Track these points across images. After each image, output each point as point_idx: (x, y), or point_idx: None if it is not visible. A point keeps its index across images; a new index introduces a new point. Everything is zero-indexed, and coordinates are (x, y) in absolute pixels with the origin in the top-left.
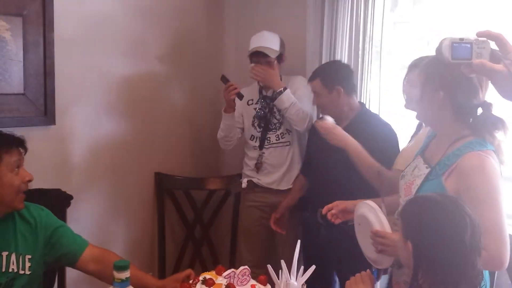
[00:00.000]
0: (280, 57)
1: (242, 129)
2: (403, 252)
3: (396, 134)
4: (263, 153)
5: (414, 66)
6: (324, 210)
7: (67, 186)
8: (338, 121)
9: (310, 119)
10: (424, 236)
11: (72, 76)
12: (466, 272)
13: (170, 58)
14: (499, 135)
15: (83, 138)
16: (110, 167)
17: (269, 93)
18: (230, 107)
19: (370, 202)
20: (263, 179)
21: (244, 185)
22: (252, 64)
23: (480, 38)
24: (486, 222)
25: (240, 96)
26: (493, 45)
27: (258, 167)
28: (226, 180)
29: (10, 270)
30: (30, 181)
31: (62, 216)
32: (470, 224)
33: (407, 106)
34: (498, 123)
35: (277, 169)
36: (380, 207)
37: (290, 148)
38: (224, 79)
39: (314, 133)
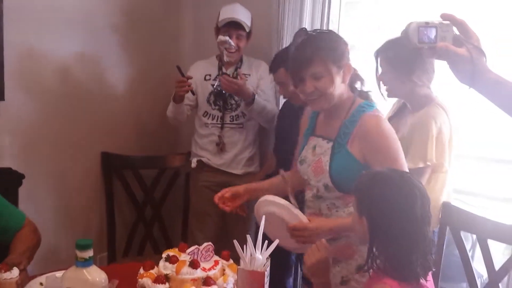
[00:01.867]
0: (249, 34)
1: (192, 106)
2: (359, 227)
3: None
4: (222, 133)
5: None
6: (215, 198)
7: (18, 164)
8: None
9: (276, 112)
10: (377, 211)
11: (21, 50)
12: (418, 242)
13: (119, 33)
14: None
15: (32, 115)
16: (59, 146)
17: (230, 71)
18: (180, 99)
19: (275, 198)
20: (213, 160)
21: (193, 164)
22: (220, 76)
23: (444, 22)
24: None
25: (193, 92)
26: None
27: (221, 147)
28: (177, 159)
29: None
30: None
31: (14, 196)
32: (419, 196)
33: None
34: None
35: (228, 151)
36: (289, 200)
37: (243, 131)
38: (180, 71)
39: (286, 115)
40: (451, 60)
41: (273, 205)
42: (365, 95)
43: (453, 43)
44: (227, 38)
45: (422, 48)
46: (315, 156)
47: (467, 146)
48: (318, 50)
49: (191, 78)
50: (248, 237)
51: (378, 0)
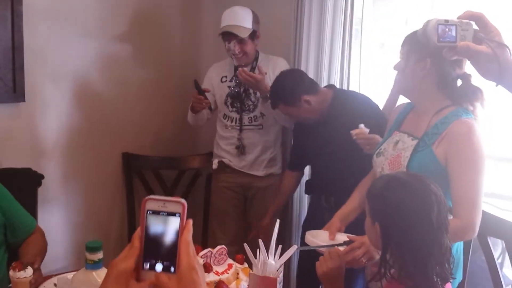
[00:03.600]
0: (254, 34)
1: (210, 108)
2: (372, 234)
3: (377, 106)
4: (241, 135)
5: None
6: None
7: (38, 165)
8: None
9: None
10: (391, 217)
11: (42, 51)
12: (433, 250)
13: (139, 35)
14: (478, 104)
15: (53, 116)
16: (79, 147)
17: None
18: (197, 111)
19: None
20: (234, 161)
21: (215, 166)
22: (238, 70)
23: (463, 20)
24: (466, 189)
25: (210, 108)
26: (473, 25)
27: (241, 150)
28: (198, 160)
29: None
30: None
31: (33, 196)
32: (436, 202)
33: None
34: (478, 92)
35: (249, 152)
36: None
37: (263, 132)
38: (197, 86)
39: (302, 128)
40: (473, 58)
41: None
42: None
43: (474, 41)
44: (229, 46)
45: (442, 47)
46: (395, 150)
47: (493, 146)
48: (411, 35)
49: (208, 91)
50: (260, 242)
51: None
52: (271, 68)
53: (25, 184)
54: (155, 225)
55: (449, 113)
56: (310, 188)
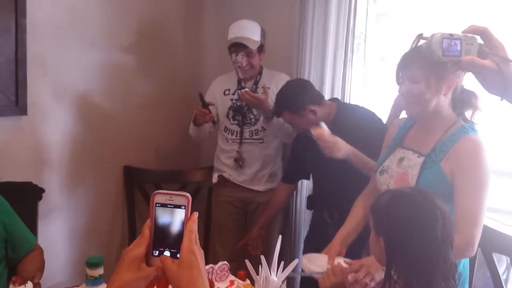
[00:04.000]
0: (261, 48)
1: (214, 122)
2: (376, 248)
3: (381, 119)
4: (241, 148)
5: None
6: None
7: (39, 179)
8: None
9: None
10: (395, 231)
11: (44, 65)
12: (438, 265)
13: (142, 47)
14: (474, 107)
15: (55, 129)
16: (80, 160)
17: (248, 85)
18: (200, 124)
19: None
20: (234, 175)
21: (214, 180)
22: (241, 91)
23: (468, 34)
24: (468, 206)
25: (214, 121)
26: (478, 39)
27: (240, 164)
28: (199, 173)
29: None
30: None
31: (34, 210)
32: (441, 217)
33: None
34: (472, 96)
35: (249, 166)
36: None
37: (263, 146)
38: (202, 99)
39: (302, 141)
40: (478, 73)
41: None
42: (468, 121)
43: (478, 55)
44: (236, 58)
45: (446, 61)
46: (400, 168)
47: (495, 160)
48: (420, 54)
49: (212, 104)
50: (263, 258)
51: (408, 10)
52: (275, 83)
53: (25, 197)
54: (163, 217)
55: (456, 130)
56: (312, 203)
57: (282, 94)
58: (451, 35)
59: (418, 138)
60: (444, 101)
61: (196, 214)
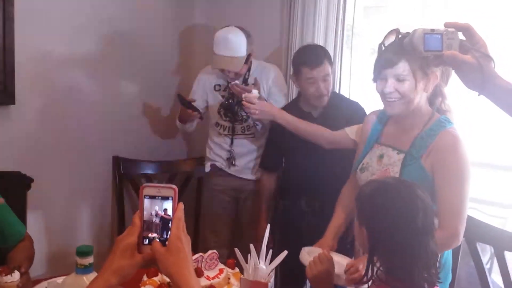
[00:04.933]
0: (248, 57)
1: (201, 118)
2: (359, 237)
3: (364, 110)
4: (233, 144)
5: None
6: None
7: (27, 168)
8: (313, 108)
9: None
10: (377, 221)
11: (33, 54)
12: (419, 254)
13: (133, 37)
14: (442, 96)
15: (43, 118)
16: (69, 150)
17: (239, 81)
18: (186, 121)
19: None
20: (226, 165)
21: (207, 169)
22: (230, 84)
23: (449, 29)
24: (451, 200)
25: (201, 117)
26: (460, 35)
27: (231, 161)
28: (189, 163)
29: None
30: None
31: (22, 199)
32: (422, 207)
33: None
34: (440, 85)
35: (240, 159)
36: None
37: (255, 140)
38: (182, 100)
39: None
40: (458, 67)
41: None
42: (443, 112)
43: (460, 50)
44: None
45: (428, 56)
46: (381, 165)
47: (479, 153)
48: (406, 51)
49: (193, 101)
50: (252, 246)
51: (397, 3)
52: (265, 76)
53: (14, 187)
54: (152, 207)
55: (433, 124)
56: (286, 191)
57: (317, 46)
58: (432, 30)
59: (396, 134)
60: (424, 97)
61: (182, 204)
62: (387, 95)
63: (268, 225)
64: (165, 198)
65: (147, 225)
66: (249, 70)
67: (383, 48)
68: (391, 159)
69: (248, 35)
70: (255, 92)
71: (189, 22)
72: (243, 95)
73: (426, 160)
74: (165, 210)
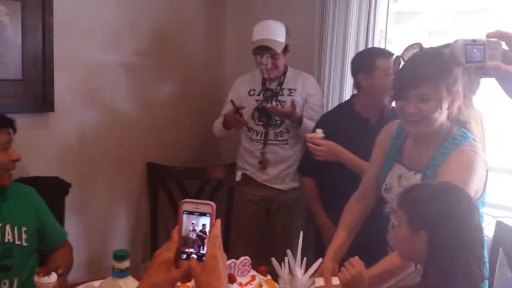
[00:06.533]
0: (286, 49)
1: (246, 125)
2: (412, 243)
3: None
4: (265, 150)
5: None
6: None
7: (65, 174)
8: (371, 114)
9: None
10: (441, 223)
11: (71, 62)
12: (477, 253)
13: (165, 48)
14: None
15: (80, 126)
16: (105, 157)
17: (273, 86)
18: (231, 128)
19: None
20: (257, 174)
21: (238, 178)
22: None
23: (491, 39)
24: None
25: (248, 128)
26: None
27: (263, 165)
28: (220, 170)
29: (6, 241)
30: (17, 160)
31: (61, 204)
32: (475, 205)
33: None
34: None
35: (272, 167)
36: None
37: (287, 147)
38: (235, 105)
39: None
40: (502, 79)
41: None
42: (463, 125)
43: (503, 61)
44: (261, 60)
45: (470, 67)
46: (401, 187)
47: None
48: (432, 70)
49: (244, 108)
50: (289, 252)
51: (428, 8)
52: (300, 84)
53: (53, 192)
54: (190, 223)
55: (447, 141)
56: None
57: (359, 56)
58: (474, 40)
59: (415, 152)
60: (445, 114)
61: (219, 221)
62: (408, 117)
63: (301, 232)
64: (203, 214)
65: (185, 241)
66: (284, 74)
67: (402, 62)
68: (409, 181)
69: (286, 27)
70: (319, 131)
71: (221, 30)
72: (307, 136)
73: (441, 178)
74: (203, 225)
